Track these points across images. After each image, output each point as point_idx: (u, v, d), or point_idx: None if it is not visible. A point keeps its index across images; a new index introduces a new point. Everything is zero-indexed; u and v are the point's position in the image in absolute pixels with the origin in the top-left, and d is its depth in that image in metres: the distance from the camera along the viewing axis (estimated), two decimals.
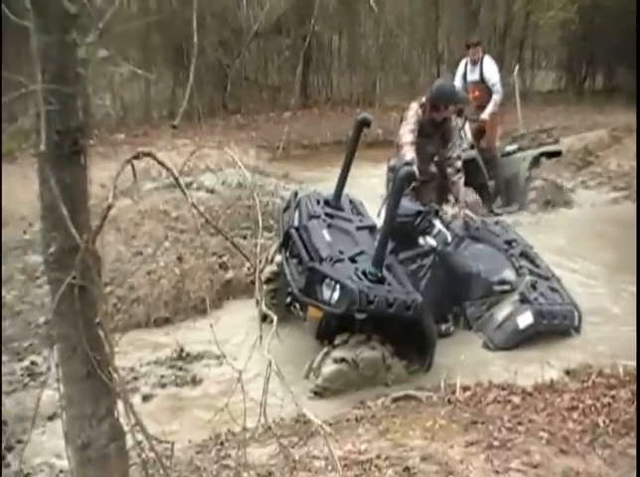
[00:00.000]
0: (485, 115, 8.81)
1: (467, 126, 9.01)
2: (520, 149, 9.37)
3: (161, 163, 2.73)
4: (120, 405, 2.82)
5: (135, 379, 4.93)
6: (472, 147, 8.73)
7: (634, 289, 6.51)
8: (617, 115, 13.76)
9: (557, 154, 9.72)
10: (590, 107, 15.36)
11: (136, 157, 2.71)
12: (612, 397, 4.09)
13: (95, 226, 2.56)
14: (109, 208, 2.54)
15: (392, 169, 8.70)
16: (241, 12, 15.61)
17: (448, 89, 7.00)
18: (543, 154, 9.42)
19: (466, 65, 9.26)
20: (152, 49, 14.14)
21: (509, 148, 9.33)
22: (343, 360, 4.77)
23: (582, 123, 13.34)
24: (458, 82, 9.28)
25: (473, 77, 9.05)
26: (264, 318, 3.65)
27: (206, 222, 2.90)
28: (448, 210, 7.02)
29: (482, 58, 9.14)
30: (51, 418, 4.24)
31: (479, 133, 8.95)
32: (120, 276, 5.95)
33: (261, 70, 15.94)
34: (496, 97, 9.00)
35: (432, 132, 6.92)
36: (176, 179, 2.76)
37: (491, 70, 9.06)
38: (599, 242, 8.02)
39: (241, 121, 13.70)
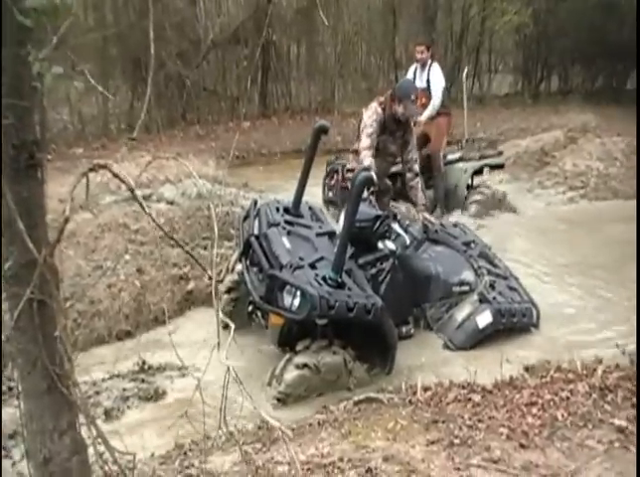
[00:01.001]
0: (422, 117, 8.58)
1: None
2: (461, 159, 9.25)
3: (117, 175, 2.75)
4: (82, 419, 2.83)
5: (97, 393, 4.88)
6: None
7: (589, 287, 6.68)
8: (572, 116, 13.99)
9: (499, 167, 9.65)
10: (546, 109, 15.56)
11: (92, 169, 2.72)
12: (570, 390, 4.17)
13: (53, 240, 2.57)
14: (66, 221, 2.56)
15: (329, 173, 8.78)
16: (200, 23, 15.60)
17: (414, 84, 7.16)
18: (485, 166, 9.32)
19: (415, 71, 9.16)
20: (110, 61, 14.06)
21: (451, 156, 9.18)
22: (305, 365, 4.80)
23: (538, 125, 13.52)
24: None
25: (421, 83, 8.89)
26: (225, 327, 3.68)
27: (164, 234, 2.93)
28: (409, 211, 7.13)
29: (431, 65, 9.03)
30: (12, 437, 4.21)
31: (424, 140, 8.79)
32: (80, 290, 5.90)
33: (220, 80, 15.91)
34: (433, 102, 8.83)
35: (395, 130, 6.93)
36: (132, 191, 2.78)
37: (436, 76, 8.95)
38: (555, 241, 8.19)
39: (201, 132, 13.68)
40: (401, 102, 6.74)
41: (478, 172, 9.27)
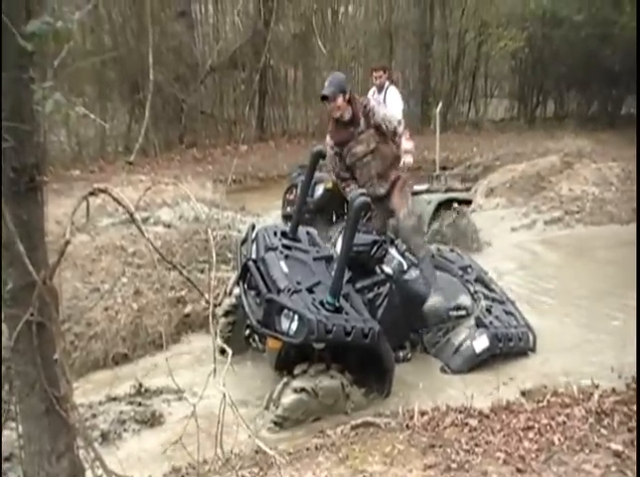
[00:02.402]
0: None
1: None
2: (428, 191, 9.06)
3: (116, 199, 2.77)
4: (80, 441, 2.83)
5: (94, 416, 4.86)
6: None
7: (586, 311, 6.69)
8: (568, 141, 14.04)
9: (467, 202, 9.41)
10: (542, 134, 15.64)
11: (92, 193, 2.74)
12: (567, 415, 4.18)
13: (53, 262, 2.58)
14: (66, 244, 2.57)
15: (289, 188, 8.72)
16: (197, 47, 15.70)
17: (335, 76, 6.18)
18: (452, 200, 9.01)
19: (373, 94, 9.04)
20: (107, 84, 14.13)
21: (417, 188, 8.85)
22: (303, 389, 4.79)
23: (534, 150, 13.57)
24: None
25: None
26: (222, 352, 3.69)
27: (161, 257, 2.94)
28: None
29: (388, 88, 8.94)
30: (8, 459, 4.19)
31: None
32: (77, 313, 5.90)
33: (217, 104, 15.99)
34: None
35: (348, 135, 6.01)
36: (131, 215, 2.81)
37: (392, 98, 8.83)
38: (550, 266, 8.22)
39: (198, 155, 13.72)
40: (326, 99, 5.92)
41: (445, 206, 8.95)
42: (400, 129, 6.06)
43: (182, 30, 14.64)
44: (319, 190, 7.75)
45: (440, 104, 10.58)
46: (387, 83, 8.99)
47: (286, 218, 8.58)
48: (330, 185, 7.78)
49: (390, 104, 8.66)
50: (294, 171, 8.84)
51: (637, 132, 10.38)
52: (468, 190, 9.57)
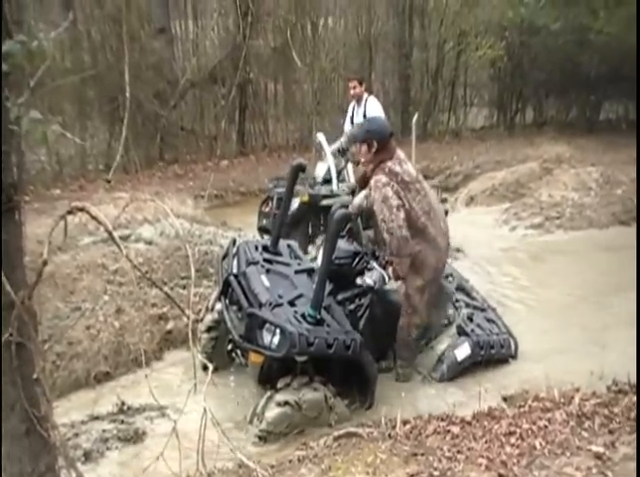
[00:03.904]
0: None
1: (350, 168, 8.71)
2: None
3: (94, 217, 2.79)
4: (62, 461, 2.83)
5: (76, 435, 4.85)
6: (352, 192, 8.24)
7: (566, 316, 6.75)
8: (547, 147, 14.15)
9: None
10: (521, 141, 15.74)
11: (70, 212, 2.77)
12: (548, 419, 4.20)
13: (31, 282, 2.60)
14: (44, 264, 2.59)
15: (264, 201, 8.69)
16: (177, 63, 15.71)
17: (368, 121, 6.28)
18: None
19: (353, 108, 9.03)
20: (87, 102, 14.08)
21: None
22: (286, 403, 4.80)
23: (514, 157, 13.66)
24: (347, 125, 9.09)
25: (358, 118, 8.74)
26: (205, 367, 3.70)
27: (141, 274, 2.97)
28: None
29: (367, 99, 8.86)
30: None
31: (364, 179, 8.48)
32: (59, 332, 5.89)
33: (198, 119, 15.94)
34: None
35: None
36: (110, 233, 2.83)
37: (373, 110, 8.74)
38: (531, 272, 8.28)
39: (179, 171, 13.69)
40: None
41: None
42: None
43: (161, 46, 14.63)
44: (295, 203, 7.76)
45: (417, 115, 10.58)
46: (365, 95, 8.92)
47: (262, 230, 8.58)
48: (306, 198, 7.78)
49: (370, 114, 8.59)
50: (270, 183, 8.83)
51: (637, 134, 10.42)
52: (444, 201, 9.54)
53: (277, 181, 8.54)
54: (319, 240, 8.14)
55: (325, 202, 7.76)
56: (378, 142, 5.28)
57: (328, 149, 8.30)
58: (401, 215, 5.12)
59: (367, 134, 5.39)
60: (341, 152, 8.50)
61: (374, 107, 8.81)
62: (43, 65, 2.34)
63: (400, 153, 5.42)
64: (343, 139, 8.53)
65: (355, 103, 9.00)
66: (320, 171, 8.39)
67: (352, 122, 8.99)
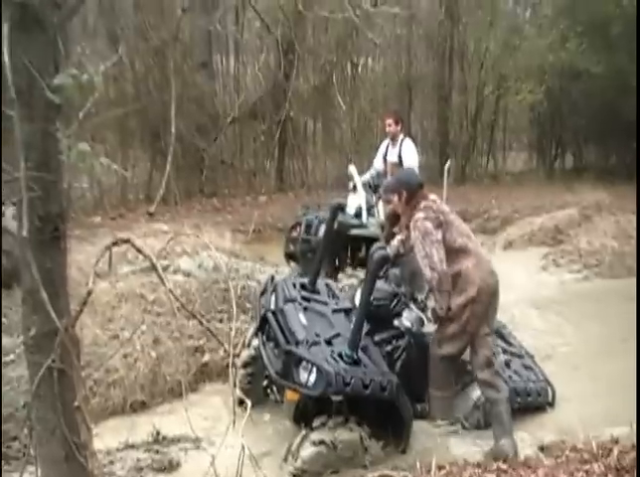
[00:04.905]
0: None
1: (381, 205, 8.64)
2: None
3: (139, 250, 2.82)
4: None
5: (111, 462, 4.86)
6: (382, 228, 8.26)
7: (605, 366, 6.63)
8: (586, 194, 14.03)
9: None
10: (560, 187, 15.64)
11: (115, 244, 2.80)
12: (586, 471, 4.11)
13: (75, 310, 2.62)
14: (89, 293, 2.62)
15: (293, 226, 8.72)
16: (218, 98, 15.87)
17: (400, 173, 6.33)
18: None
19: (387, 146, 8.93)
20: (129, 132, 14.27)
21: None
22: (322, 442, 4.78)
23: (553, 202, 13.55)
24: (379, 163, 9.02)
25: (392, 158, 8.70)
26: (241, 402, 3.69)
27: (181, 306, 2.97)
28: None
29: (403, 140, 8.78)
30: None
31: (394, 218, 7.99)
32: (97, 359, 5.93)
33: (237, 154, 16.09)
34: None
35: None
36: (154, 266, 2.85)
37: (408, 152, 8.67)
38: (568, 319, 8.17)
39: (218, 205, 13.78)
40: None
41: None
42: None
43: (203, 80, 14.82)
44: (322, 230, 7.80)
45: (449, 161, 10.52)
46: (401, 136, 8.84)
47: (288, 255, 8.57)
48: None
49: (405, 159, 8.61)
50: (301, 210, 8.85)
51: (637, 151, 10.29)
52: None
53: (307, 208, 8.56)
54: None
55: (354, 231, 7.76)
56: (407, 192, 5.33)
57: (359, 182, 8.38)
58: (442, 250, 5.08)
59: (396, 185, 5.49)
60: (372, 188, 8.52)
61: (409, 149, 8.76)
62: (92, 97, 2.37)
63: (433, 197, 5.44)
64: (372, 172, 8.58)
65: (390, 142, 8.94)
66: (352, 204, 8.41)
67: (385, 160, 8.94)
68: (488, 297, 5.21)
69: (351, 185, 8.61)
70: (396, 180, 5.70)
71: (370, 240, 7.91)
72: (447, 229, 5.19)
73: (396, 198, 5.42)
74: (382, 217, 8.62)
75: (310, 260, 7.73)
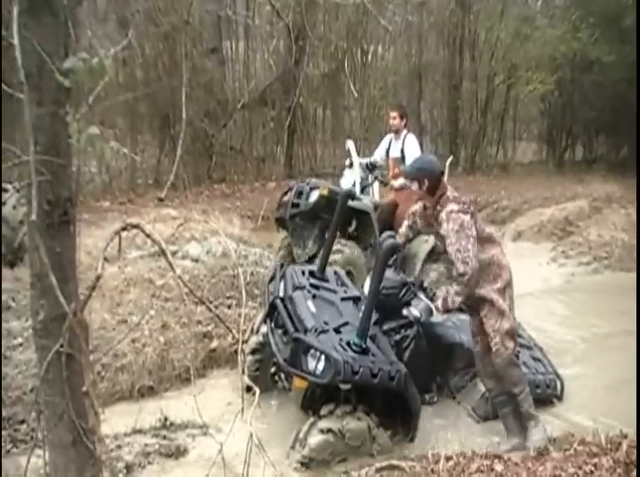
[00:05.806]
0: (395, 184, 8.31)
1: (377, 186, 8.80)
2: None
3: (149, 235, 2.80)
4: (106, 474, 2.82)
5: (119, 447, 4.86)
6: (375, 208, 8.30)
7: (614, 359, 6.60)
8: (597, 186, 13.98)
9: None
10: (570, 178, 15.58)
11: (124, 228, 2.77)
12: (594, 464, 4.10)
13: (84, 295, 2.60)
14: (98, 278, 2.59)
15: (285, 192, 8.64)
16: (227, 84, 15.81)
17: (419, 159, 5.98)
18: None
19: (390, 140, 8.81)
20: (139, 117, 14.23)
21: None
22: (329, 430, 4.77)
23: (563, 194, 13.49)
24: (380, 157, 8.91)
25: (394, 153, 8.62)
26: (248, 389, 3.67)
27: (190, 292, 2.95)
28: None
29: (406, 135, 8.64)
30: None
31: (393, 207, 8.46)
32: (105, 344, 5.92)
33: (246, 140, 16.02)
34: None
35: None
36: (163, 251, 2.82)
37: (411, 147, 8.55)
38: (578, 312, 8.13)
39: (226, 191, 13.73)
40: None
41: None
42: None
43: (213, 66, 14.74)
44: (314, 195, 7.77)
45: (451, 158, 10.40)
46: (404, 131, 8.68)
47: (278, 220, 8.56)
48: (325, 191, 7.82)
49: (408, 154, 8.43)
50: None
51: (637, 145, 10.22)
52: None
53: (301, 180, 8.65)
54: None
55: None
56: (428, 180, 5.19)
57: (356, 157, 8.44)
58: (476, 246, 5.02)
59: (418, 172, 5.31)
60: (370, 168, 8.51)
61: (412, 145, 8.63)
62: (102, 81, 2.35)
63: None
64: (372, 159, 8.59)
65: (393, 136, 8.81)
66: (348, 178, 8.50)
67: (387, 154, 8.81)
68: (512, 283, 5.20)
69: (347, 161, 8.64)
70: (417, 167, 5.47)
71: (361, 214, 8.05)
72: (476, 219, 5.15)
73: (415, 185, 5.29)
74: (376, 197, 8.73)
75: (297, 225, 7.97)
